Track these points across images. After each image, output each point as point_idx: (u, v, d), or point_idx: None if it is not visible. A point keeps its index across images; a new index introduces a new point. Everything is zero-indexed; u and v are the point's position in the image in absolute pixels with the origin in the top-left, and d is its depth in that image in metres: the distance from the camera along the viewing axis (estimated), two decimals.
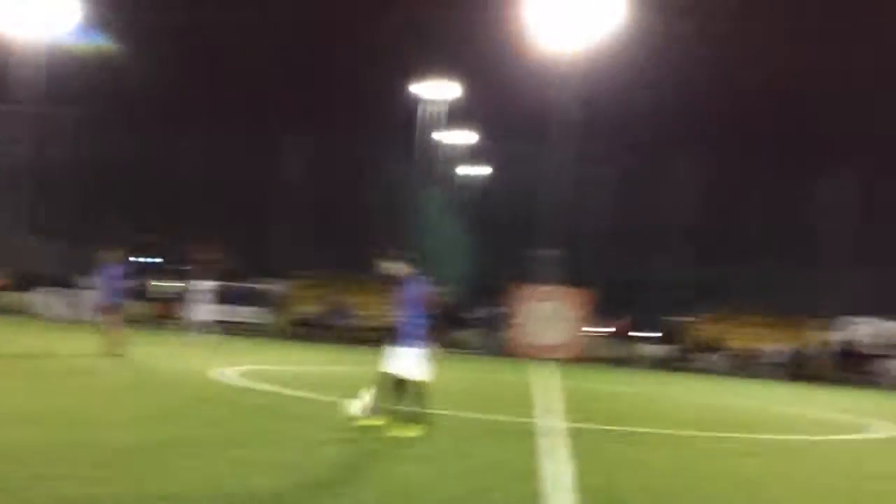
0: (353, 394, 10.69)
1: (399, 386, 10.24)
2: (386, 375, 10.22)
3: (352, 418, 10.10)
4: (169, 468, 7.36)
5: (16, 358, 17.49)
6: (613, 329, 41.16)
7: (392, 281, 10.47)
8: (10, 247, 44.63)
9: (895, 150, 49.65)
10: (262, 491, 6.75)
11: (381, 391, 10.22)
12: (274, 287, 42.03)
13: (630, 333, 40.73)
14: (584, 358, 36.27)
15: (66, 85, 47.52)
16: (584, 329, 37.71)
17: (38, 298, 38.52)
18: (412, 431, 9.98)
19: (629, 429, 13.45)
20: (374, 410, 10.19)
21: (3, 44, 43.18)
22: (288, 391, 14.66)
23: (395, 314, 10.35)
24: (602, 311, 40.20)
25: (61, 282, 39.67)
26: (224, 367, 17.76)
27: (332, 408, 11.82)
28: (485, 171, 61.11)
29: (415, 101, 49.11)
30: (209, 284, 26.04)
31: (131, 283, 21.02)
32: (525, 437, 11.13)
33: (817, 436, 14.51)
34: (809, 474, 10.27)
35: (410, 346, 10.12)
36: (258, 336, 34.92)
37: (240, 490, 6.73)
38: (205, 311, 25.87)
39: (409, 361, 10.14)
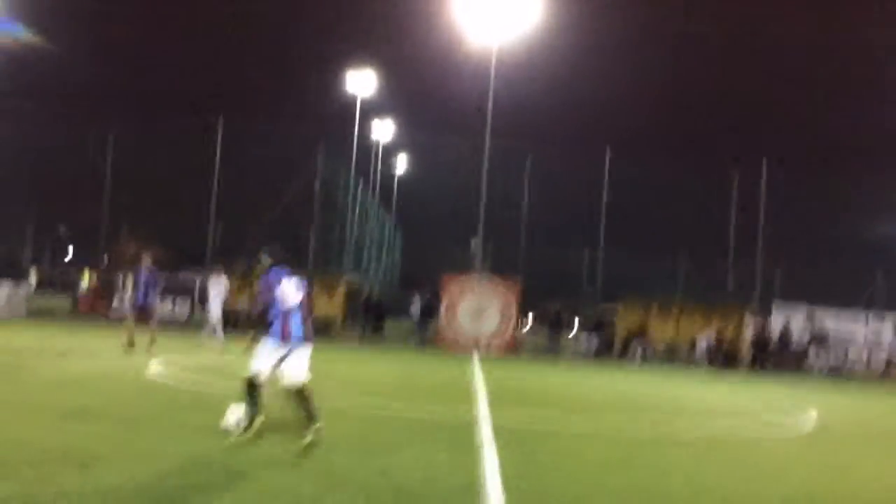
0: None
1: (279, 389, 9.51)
2: (254, 379, 9.44)
3: (227, 433, 9.23)
4: (84, 466, 7.46)
5: None
6: (543, 320, 41.57)
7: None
8: None
9: (814, 143, 51.01)
10: (181, 488, 6.89)
11: (253, 397, 9.45)
12: (203, 278, 41.67)
13: (558, 324, 41.18)
14: (514, 349, 36.67)
15: None
16: (514, 320, 38.10)
17: None
18: (306, 437, 9.08)
19: (554, 419, 13.78)
20: (249, 419, 9.38)
21: None
22: (217, 385, 14.71)
23: (260, 311, 9.60)
24: (531, 302, 40.64)
25: None
26: (153, 361, 17.71)
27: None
28: (411, 163, 61.33)
29: (339, 92, 49.00)
30: (145, 276, 25.48)
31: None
32: (454, 430, 11.39)
33: (736, 425, 14.98)
34: (715, 465, 10.66)
35: (278, 344, 9.37)
36: (187, 327, 34.61)
37: (157, 488, 6.86)
38: (143, 303, 25.42)
39: (282, 361, 9.39)
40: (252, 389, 9.38)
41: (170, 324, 33.79)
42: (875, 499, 8.80)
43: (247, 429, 9.27)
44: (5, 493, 6.27)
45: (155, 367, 16.73)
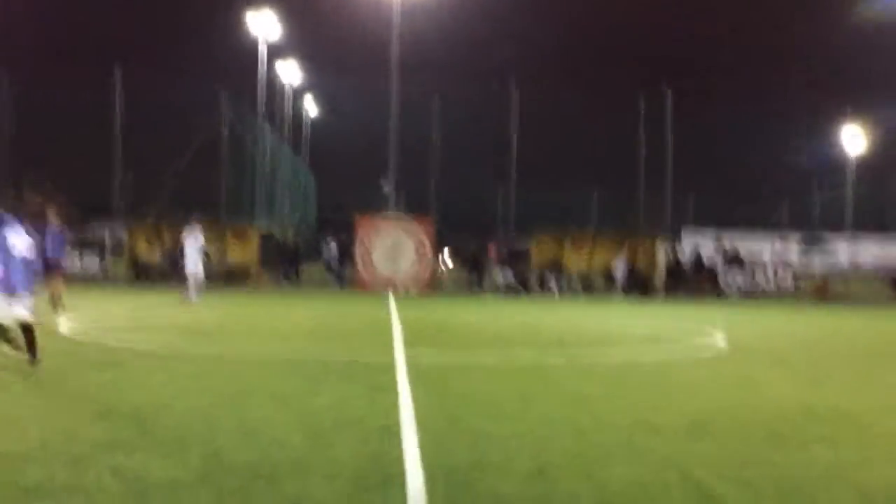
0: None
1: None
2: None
3: None
4: (25, 424, 7.29)
5: None
6: (459, 257, 41.59)
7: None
8: None
9: (716, 73, 51.78)
10: (102, 442, 6.77)
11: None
12: (112, 231, 40.82)
13: (474, 260, 41.32)
14: (432, 287, 36.79)
15: None
16: (430, 259, 38.15)
17: None
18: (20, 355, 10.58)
19: (470, 356, 13.89)
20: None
21: None
22: (127, 337, 14.47)
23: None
24: (447, 240, 40.74)
25: None
26: (64, 318, 17.31)
27: (175, 355, 11.76)
28: (320, 105, 60.61)
29: (242, 35, 47.95)
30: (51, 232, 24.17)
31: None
32: (371, 371, 11.38)
33: (649, 350, 15.28)
34: (629, 390, 10.87)
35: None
36: (99, 284, 33.97)
37: (73, 446, 6.73)
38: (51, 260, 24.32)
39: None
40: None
41: (81, 279, 33.04)
42: (781, 413, 9.05)
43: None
44: None
45: (66, 324, 16.37)
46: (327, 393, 9.69)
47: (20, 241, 10.48)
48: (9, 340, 10.77)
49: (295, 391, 9.82)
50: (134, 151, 47.27)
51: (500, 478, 6.15)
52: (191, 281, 24.32)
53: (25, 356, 10.64)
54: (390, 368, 11.44)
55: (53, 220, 19.22)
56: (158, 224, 38.95)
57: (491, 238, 42.63)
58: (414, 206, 42.58)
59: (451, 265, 41.35)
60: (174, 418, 8.02)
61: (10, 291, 10.39)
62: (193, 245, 24.49)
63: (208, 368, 11.57)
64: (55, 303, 18.64)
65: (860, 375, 13.06)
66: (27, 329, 10.63)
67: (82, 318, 17.84)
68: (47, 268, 19.47)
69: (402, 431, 7.49)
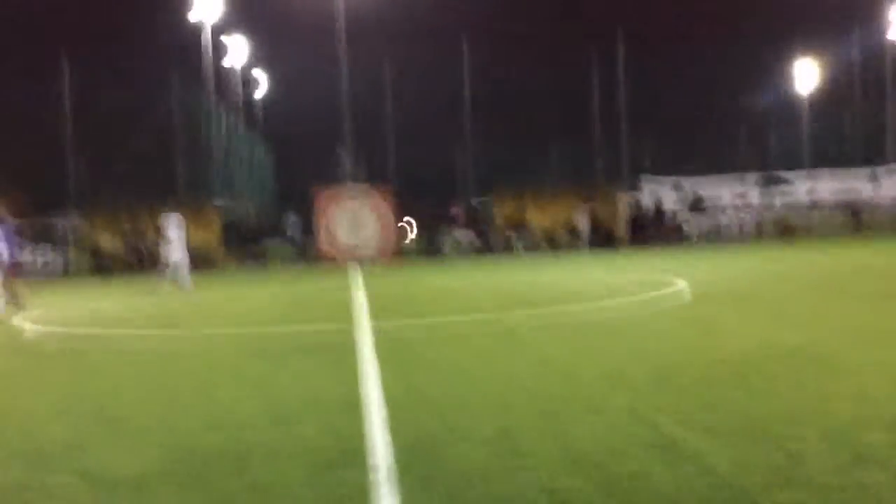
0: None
1: None
2: None
3: None
4: None
5: None
6: (423, 223, 41.45)
7: None
8: None
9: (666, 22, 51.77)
10: (62, 440, 6.69)
11: None
12: (69, 222, 40.30)
13: (436, 225, 41.23)
14: (396, 256, 36.72)
15: None
16: (392, 227, 38.03)
17: None
18: None
19: (436, 324, 13.86)
20: None
21: None
22: (88, 331, 14.32)
23: None
24: (408, 206, 40.57)
25: None
26: (23, 315, 17.10)
27: (137, 343, 11.65)
28: (271, 79, 59.97)
29: (190, 15, 47.27)
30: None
31: None
32: (336, 346, 11.32)
33: (613, 304, 15.33)
34: (594, 345, 10.90)
35: None
36: (57, 276, 33.63)
37: (33, 445, 6.65)
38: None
39: None
40: None
41: (39, 274, 32.66)
42: (744, 356, 9.12)
43: None
44: None
45: (24, 321, 16.17)
46: (291, 371, 9.63)
47: None
48: None
49: (259, 372, 9.76)
50: (85, 141, 46.65)
51: (466, 444, 6.14)
52: (172, 269, 23.77)
53: None
54: (353, 341, 11.40)
55: (4, 216, 18.91)
56: (116, 212, 38.56)
57: (453, 200, 42.58)
58: (374, 174, 42.40)
59: (413, 232, 41.25)
60: (137, 410, 7.95)
61: None
62: (176, 232, 23.94)
63: (172, 356, 11.49)
64: (14, 300, 18.41)
65: (823, 311, 13.20)
66: None
67: (41, 315, 17.60)
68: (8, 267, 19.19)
69: (366, 405, 7.45)
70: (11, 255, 18.92)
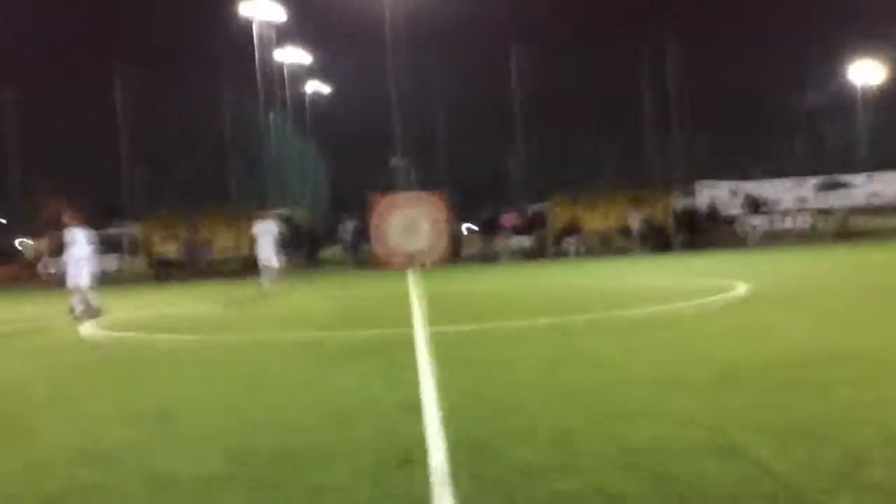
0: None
1: None
2: None
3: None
4: (44, 429, 7.35)
5: None
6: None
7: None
8: None
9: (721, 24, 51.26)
10: (127, 442, 6.82)
11: None
12: (128, 230, 41.03)
13: (491, 229, 41.25)
14: (451, 260, 36.80)
15: None
16: (446, 231, 38.14)
17: None
18: None
19: (491, 326, 13.88)
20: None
21: None
22: (155, 336, 14.56)
23: None
24: (464, 210, 40.71)
25: None
26: (98, 319, 17.49)
27: (196, 347, 11.82)
28: (326, 87, 60.47)
29: (246, 26, 47.89)
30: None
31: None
32: (391, 349, 11.40)
33: (670, 306, 15.23)
34: (650, 347, 10.84)
35: None
36: (119, 283, 34.18)
37: (97, 447, 6.78)
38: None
39: None
40: None
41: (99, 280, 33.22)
42: (800, 357, 9.02)
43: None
44: None
45: (90, 325, 16.49)
46: (347, 373, 9.71)
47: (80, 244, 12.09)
48: None
49: (315, 374, 9.86)
50: (141, 149, 47.44)
51: (523, 446, 6.15)
52: (267, 272, 24.02)
53: None
54: (410, 344, 11.46)
55: (72, 223, 19.25)
56: (175, 220, 39.15)
57: (507, 206, 42.60)
58: (427, 179, 42.58)
59: (470, 235, 41.35)
60: (198, 413, 8.07)
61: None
62: (267, 235, 24.24)
63: (232, 359, 11.65)
64: (87, 307, 18.75)
65: (880, 313, 13.00)
66: None
67: (110, 320, 17.94)
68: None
69: (423, 407, 7.50)
70: (87, 263, 19.23)
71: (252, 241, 25.24)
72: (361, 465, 5.86)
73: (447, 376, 8.88)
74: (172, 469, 6.05)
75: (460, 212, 39.88)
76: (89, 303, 18.69)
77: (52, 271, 20.81)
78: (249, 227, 25.40)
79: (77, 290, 18.68)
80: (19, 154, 48.54)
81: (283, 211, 43.00)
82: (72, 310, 18.53)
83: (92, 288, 18.93)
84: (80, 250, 18.68)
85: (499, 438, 6.39)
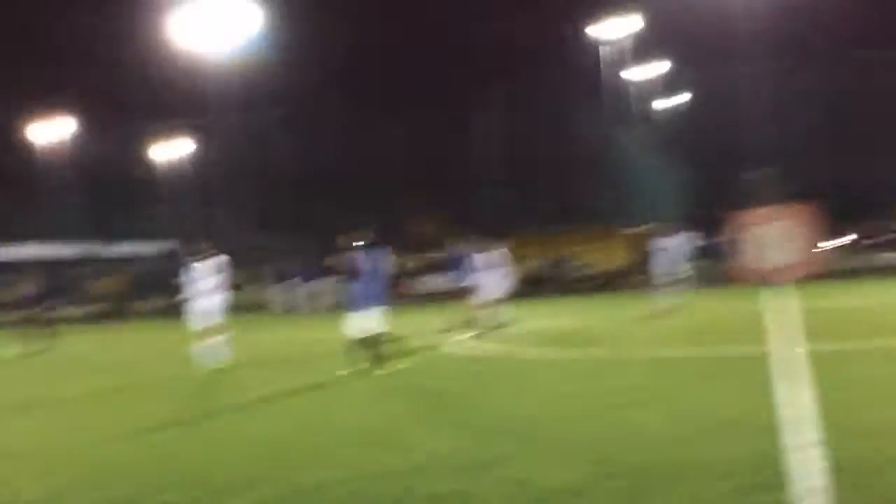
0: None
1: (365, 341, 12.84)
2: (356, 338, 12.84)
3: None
4: (426, 438, 7.92)
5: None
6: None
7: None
8: (242, 243, 46.71)
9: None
10: (497, 451, 7.17)
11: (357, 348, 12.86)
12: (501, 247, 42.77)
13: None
14: (819, 275, 34.91)
15: (256, 90, 50.16)
16: (816, 245, 36.18)
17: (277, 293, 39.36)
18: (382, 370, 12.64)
19: (872, 345, 12.98)
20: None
21: (194, 59, 45.92)
22: (525, 349, 15.10)
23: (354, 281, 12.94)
24: (831, 223, 38.46)
25: (293, 275, 39.98)
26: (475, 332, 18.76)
27: (564, 362, 12.12)
28: (681, 99, 59.49)
29: (594, 45, 48.42)
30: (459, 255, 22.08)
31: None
32: (760, 367, 10.96)
33: None
34: None
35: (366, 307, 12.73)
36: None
37: (462, 458, 7.18)
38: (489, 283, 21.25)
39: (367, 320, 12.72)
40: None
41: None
42: None
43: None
44: (327, 477, 6.81)
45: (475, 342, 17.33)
46: (706, 390, 9.61)
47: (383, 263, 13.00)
48: (378, 354, 12.75)
49: (674, 390, 9.83)
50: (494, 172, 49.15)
51: None
52: (662, 286, 23.61)
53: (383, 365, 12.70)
54: (779, 361, 11.01)
55: (460, 245, 20.63)
56: (539, 237, 40.43)
57: (875, 218, 39.84)
58: (792, 191, 40.73)
59: (840, 249, 39.03)
60: (561, 425, 8.34)
61: (368, 306, 12.60)
62: (674, 248, 24.06)
63: (593, 374, 11.82)
64: (467, 322, 19.82)
65: None
66: (374, 341, 12.79)
67: (483, 335, 18.72)
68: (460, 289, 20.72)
69: (785, 428, 7.24)
70: (471, 280, 20.30)
71: (642, 257, 24.94)
72: (733, 483, 5.81)
73: (826, 401, 8.36)
74: (541, 477, 6.33)
75: (835, 224, 37.62)
76: (492, 316, 19.82)
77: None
78: (641, 242, 25.01)
79: (485, 304, 19.82)
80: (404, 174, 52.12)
81: (637, 228, 42.94)
82: (474, 323, 19.60)
83: (497, 303, 20.15)
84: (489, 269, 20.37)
85: (873, 463, 6.08)
